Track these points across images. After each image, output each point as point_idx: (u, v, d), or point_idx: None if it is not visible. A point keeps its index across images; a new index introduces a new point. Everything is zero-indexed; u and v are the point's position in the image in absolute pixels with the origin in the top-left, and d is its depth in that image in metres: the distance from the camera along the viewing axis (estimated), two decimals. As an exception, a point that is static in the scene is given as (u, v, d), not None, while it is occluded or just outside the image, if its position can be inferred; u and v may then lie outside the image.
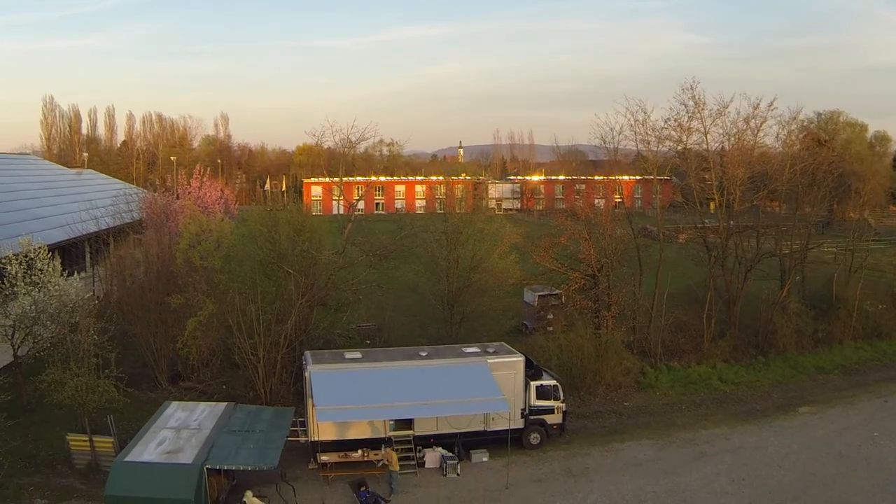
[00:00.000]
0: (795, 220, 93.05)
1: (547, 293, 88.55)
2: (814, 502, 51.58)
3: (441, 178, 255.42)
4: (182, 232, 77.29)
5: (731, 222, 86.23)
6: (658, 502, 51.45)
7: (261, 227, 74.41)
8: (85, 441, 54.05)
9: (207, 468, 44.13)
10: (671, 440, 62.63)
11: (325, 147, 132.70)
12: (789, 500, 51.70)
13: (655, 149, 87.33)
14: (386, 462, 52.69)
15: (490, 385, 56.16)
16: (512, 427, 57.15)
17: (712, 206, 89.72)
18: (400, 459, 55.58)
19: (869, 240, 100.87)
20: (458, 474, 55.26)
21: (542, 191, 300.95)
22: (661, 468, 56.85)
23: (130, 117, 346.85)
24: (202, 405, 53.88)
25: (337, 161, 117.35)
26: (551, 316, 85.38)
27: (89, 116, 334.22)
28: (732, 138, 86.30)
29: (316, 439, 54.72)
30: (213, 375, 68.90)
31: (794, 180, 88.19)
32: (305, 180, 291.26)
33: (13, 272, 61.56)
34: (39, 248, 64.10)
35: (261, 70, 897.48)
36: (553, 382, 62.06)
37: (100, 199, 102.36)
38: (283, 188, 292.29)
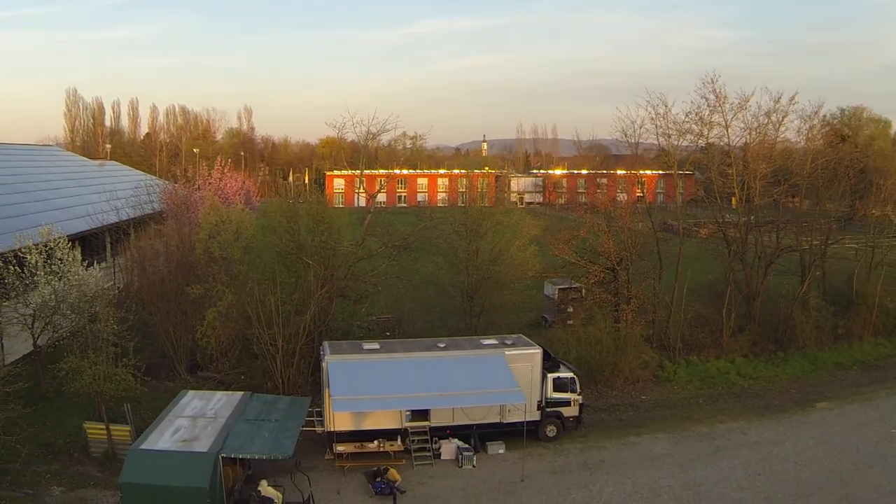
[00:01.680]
0: (816, 216, 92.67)
1: (567, 286, 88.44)
2: (829, 498, 51.40)
3: (463, 171, 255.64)
4: (202, 222, 77.48)
5: (752, 217, 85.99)
6: (673, 496, 51.37)
7: (280, 217, 74.61)
8: (102, 429, 54.41)
9: (223, 457, 44.21)
10: (688, 434, 62.52)
11: (348, 140, 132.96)
12: (805, 496, 51.56)
13: (676, 143, 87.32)
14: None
15: (507, 377, 56.17)
16: (528, 419, 57.30)
17: (734, 201, 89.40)
18: (416, 450, 56.08)
19: (890, 236, 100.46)
20: (473, 466, 55.35)
21: (565, 185, 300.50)
22: (677, 462, 56.81)
23: (154, 110, 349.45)
24: (218, 394, 54.08)
25: (359, 153, 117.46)
26: (571, 309, 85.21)
27: (113, 109, 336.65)
28: (754, 133, 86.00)
29: (332, 429, 54.80)
30: (231, 365, 68.97)
31: (815, 175, 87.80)
32: (328, 173, 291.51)
33: (33, 262, 61.88)
34: (59, 238, 64.38)
35: (285, 63, 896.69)
36: (570, 375, 62.05)
37: (121, 191, 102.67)
38: (306, 181, 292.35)
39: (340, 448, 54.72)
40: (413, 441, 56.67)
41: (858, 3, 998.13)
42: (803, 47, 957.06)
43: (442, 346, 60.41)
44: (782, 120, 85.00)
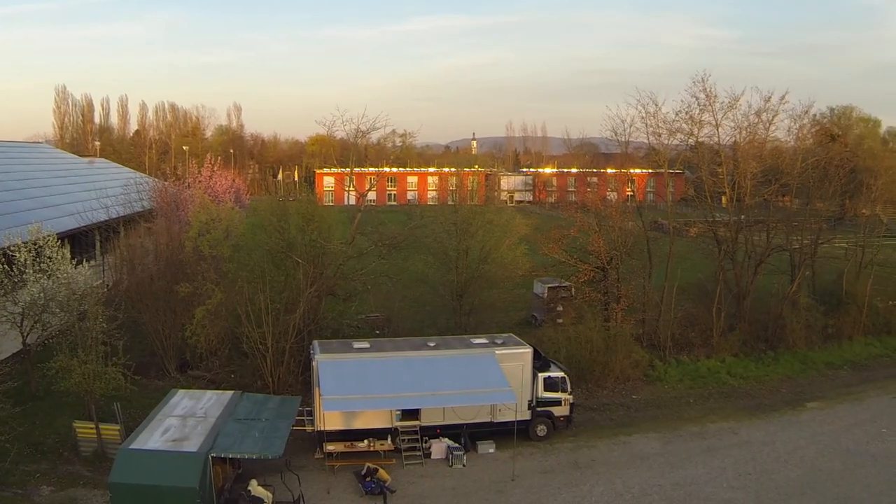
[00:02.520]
0: (806, 215, 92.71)
1: (557, 285, 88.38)
2: (820, 498, 51.43)
3: (453, 169, 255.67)
4: (192, 221, 77.29)
5: (742, 216, 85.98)
6: (664, 496, 51.34)
7: (270, 216, 74.52)
8: (91, 428, 54.20)
9: (212, 456, 44.04)
10: (678, 434, 62.55)
11: (338, 137, 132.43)
12: (796, 496, 51.60)
13: (667, 142, 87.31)
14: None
15: (498, 376, 56.05)
16: (519, 419, 57.42)
17: (724, 200, 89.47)
18: (406, 450, 55.99)
19: (880, 235, 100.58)
20: (464, 465, 55.33)
21: (555, 183, 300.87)
22: (667, 461, 56.83)
23: (143, 107, 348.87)
24: (208, 393, 53.86)
25: (349, 151, 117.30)
26: (561, 308, 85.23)
27: (102, 106, 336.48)
28: (744, 132, 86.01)
29: (322, 429, 54.62)
30: (221, 364, 69.01)
31: (805, 175, 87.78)
32: (318, 171, 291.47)
33: (22, 260, 61.66)
34: (48, 236, 64.19)
35: (274, 60, 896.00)
36: (561, 374, 61.98)
37: (111, 188, 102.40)
38: (296, 178, 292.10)
39: (330, 447, 54.48)
40: (403, 440, 56.62)
41: (848, 3, 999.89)
42: (795, 47, 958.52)
43: (432, 345, 60.32)
44: (772, 119, 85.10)
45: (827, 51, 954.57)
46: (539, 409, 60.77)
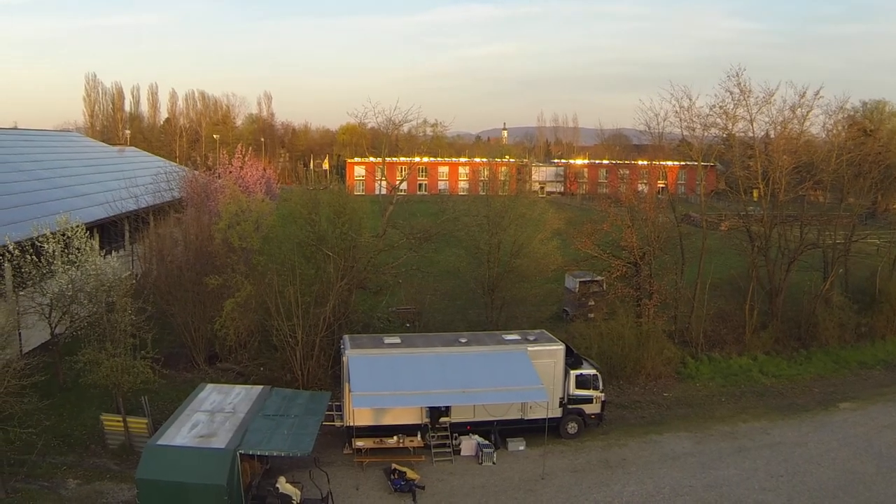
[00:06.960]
0: (840, 211, 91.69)
1: (588, 280, 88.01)
2: (852, 501, 50.78)
3: (485, 159, 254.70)
4: (222, 212, 77.00)
5: (775, 212, 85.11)
6: (695, 497, 50.82)
7: (301, 208, 74.15)
8: (119, 421, 54.17)
9: (241, 453, 43.77)
10: (710, 433, 61.90)
11: (369, 127, 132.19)
12: (828, 499, 50.96)
13: (700, 135, 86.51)
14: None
15: (530, 373, 55.45)
16: (550, 416, 56.60)
17: (755, 194, 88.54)
18: (435, 446, 55.74)
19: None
20: (493, 462, 54.89)
21: (586, 175, 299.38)
22: (699, 462, 56.21)
23: (173, 95, 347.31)
24: (237, 388, 53.38)
25: (380, 141, 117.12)
26: (592, 303, 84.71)
27: (132, 94, 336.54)
28: (778, 127, 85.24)
29: (351, 424, 54.43)
30: (250, 357, 68.79)
31: (840, 170, 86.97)
32: (348, 160, 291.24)
33: (51, 250, 61.59)
34: (77, 226, 64.07)
35: (305, 48, 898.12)
36: (593, 372, 61.44)
37: (141, 177, 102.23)
38: (326, 167, 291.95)
39: (360, 443, 54.32)
40: (433, 437, 56.31)
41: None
42: (819, 38, 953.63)
43: (463, 340, 59.77)
44: (807, 114, 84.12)
45: (855, 44, 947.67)
46: (570, 406, 60.28)
